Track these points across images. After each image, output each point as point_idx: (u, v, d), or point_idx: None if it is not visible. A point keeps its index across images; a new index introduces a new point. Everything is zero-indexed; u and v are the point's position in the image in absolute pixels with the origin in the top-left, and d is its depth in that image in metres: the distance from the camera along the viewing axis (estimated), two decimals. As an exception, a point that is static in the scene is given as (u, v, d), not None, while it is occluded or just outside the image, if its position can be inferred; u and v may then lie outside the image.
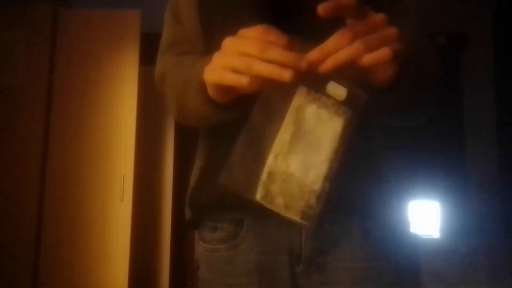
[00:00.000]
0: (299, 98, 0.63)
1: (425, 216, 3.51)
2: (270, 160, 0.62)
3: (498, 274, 2.87)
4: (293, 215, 0.61)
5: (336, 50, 0.60)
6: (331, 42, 0.61)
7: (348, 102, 0.62)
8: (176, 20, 0.92)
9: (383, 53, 0.60)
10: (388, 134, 0.85)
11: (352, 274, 0.77)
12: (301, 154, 0.62)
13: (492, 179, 3.73)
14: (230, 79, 0.62)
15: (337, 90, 0.62)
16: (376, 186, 0.79)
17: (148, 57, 3.18)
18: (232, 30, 0.66)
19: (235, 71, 0.62)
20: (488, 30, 3.88)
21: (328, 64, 0.60)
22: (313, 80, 0.62)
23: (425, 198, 3.54)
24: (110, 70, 3.12)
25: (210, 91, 0.69)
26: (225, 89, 0.67)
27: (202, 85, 0.70)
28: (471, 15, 3.87)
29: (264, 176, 0.61)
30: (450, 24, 3.78)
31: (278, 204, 0.61)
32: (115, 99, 3.09)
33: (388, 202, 0.80)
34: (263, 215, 0.79)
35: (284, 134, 0.62)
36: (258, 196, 0.61)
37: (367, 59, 0.60)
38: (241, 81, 0.61)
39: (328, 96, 0.62)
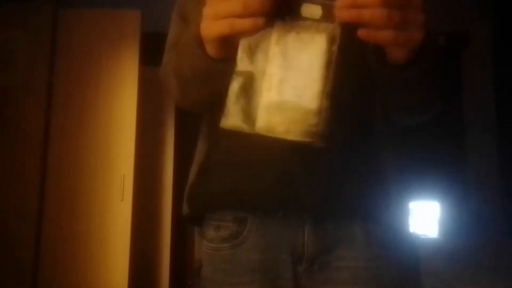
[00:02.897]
0: (277, 31, 0.63)
1: (425, 217, 3.51)
2: (264, 96, 0.63)
3: (498, 274, 2.87)
4: (295, 137, 0.61)
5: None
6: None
7: (326, 17, 0.62)
8: (182, 20, 0.92)
9: (415, 36, 0.62)
10: (390, 137, 0.85)
11: (354, 274, 0.78)
12: (292, 81, 0.62)
13: (492, 179, 3.73)
14: (243, 25, 0.62)
15: (312, 10, 0.62)
16: (378, 187, 0.80)
17: (148, 57, 3.18)
18: None
19: (236, 16, 0.61)
20: (488, 30, 3.88)
21: (363, 33, 0.61)
22: (286, 11, 0.63)
23: (425, 198, 3.54)
24: (110, 70, 3.12)
25: (210, 47, 0.69)
26: (227, 41, 0.66)
27: (199, 42, 0.70)
28: (471, 15, 3.87)
29: (261, 111, 0.62)
30: (450, 24, 3.78)
31: (279, 131, 0.62)
32: (115, 99, 3.09)
33: (390, 203, 0.81)
34: (266, 214, 0.79)
35: (271, 68, 0.63)
36: (258, 128, 0.62)
37: (400, 39, 0.61)
38: (258, 23, 0.61)
39: (305, 19, 0.62)
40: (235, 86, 0.63)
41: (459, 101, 3.95)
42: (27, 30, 3.08)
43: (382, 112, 0.82)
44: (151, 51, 3.11)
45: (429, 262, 2.73)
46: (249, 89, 0.63)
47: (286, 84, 0.62)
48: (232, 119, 0.63)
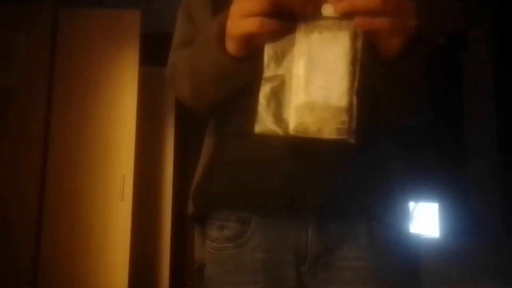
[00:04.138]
0: (300, 32, 0.64)
1: (424, 218, 3.51)
2: (293, 98, 0.63)
3: (498, 274, 2.87)
4: (328, 135, 0.62)
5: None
6: None
7: (347, 15, 0.63)
8: (189, 19, 0.92)
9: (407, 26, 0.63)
10: (393, 139, 0.85)
11: (356, 273, 0.78)
12: (319, 81, 0.63)
13: (492, 179, 3.73)
14: (272, 24, 0.62)
15: (332, 8, 0.63)
16: (381, 188, 0.80)
17: (148, 57, 3.18)
18: None
19: (264, 14, 0.62)
20: (488, 30, 3.88)
21: (359, 22, 0.61)
22: (309, 11, 0.63)
23: (424, 199, 3.54)
24: (110, 70, 3.12)
25: (232, 45, 0.69)
26: (251, 39, 0.66)
27: (219, 40, 0.70)
28: (471, 15, 3.87)
29: (292, 113, 0.63)
30: (450, 24, 3.78)
31: (312, 131, 0.62)
32: (115, 99, 3.09)
33: (393, 204, 0.81)
34: (271, 214, 0.80)
35: (297, 70, 0.64)
36: (291, 130, 0.63)
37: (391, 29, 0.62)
38: (286, 24, 0.62)
39: (326, 18, 0.63)
40: (265, 91, 0.64)
41: (459, 101, 3.94)
42: (27, 30, 3.08)
43: (384, 113, 0.82)
44: (151, 51, 3.12)
45: (429, 262, 2.73)
46: (278, 93, 0.64)
47: (313, 84, 0.63)
48: (265, 123, 0.64)
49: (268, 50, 0.65)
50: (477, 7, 3.86)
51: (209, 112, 0.90)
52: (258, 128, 0.64)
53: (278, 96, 0.64)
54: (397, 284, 0.79)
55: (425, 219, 3.51)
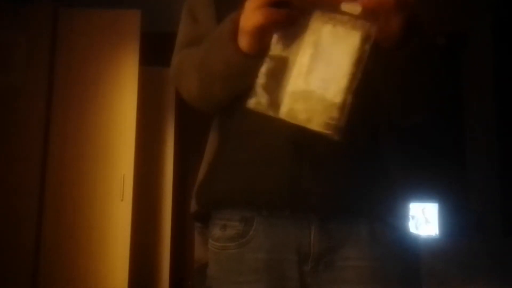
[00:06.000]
0: (315, 21, 0.64)
1: (424, 218, 3.51)
2: (291, 82, 0.64)
3: (498, 274, 2.87)
4: (316, 127, 0.62)
5: None
6: None
7: (365, 15, 0.62)
8: (192, 20, 0.93)
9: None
10: (394, 139, 0.85)
11: (359, 273, 0.78)
12: (321, 72, 0.63)
13: (491, 179, 3.73)
14: (279, 15, 0.64)
15: (352, 6, 0.63)
16: (383, 188, 0.80)
17: (148, 57, 3.18)
18: None
19: (271, 6, 0.64)
20: (488, 30, 3.88)
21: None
22: (326, 2, 0.64)
23: (424, 199, 3.54)
24: (110, 70, 3.12)
25: (245, 40, 0.70)
26: (262, 33, 0.67)
27: (232, 36, 0.72)
28: (471, 15, 3.87)
29: (286, 96, 0.64)
30: (450, 24, 3.77)
31: (301, 119, 0.63)
32: (115, 99, 3.09)
33: (394, 204, 0.82)
34: (273, 214, 0.80)
35: (303, 57, 0.64)
36: (282, 113, 0.63)
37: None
38: (293, 14, 0.63)
39: (343, 13, 0.63)
40: (265, 69, 0.65)
41: (459, 101, 3.94)
42: (27, 30, 3.08)
43: (384, 113, 0.82)
44: (151, 51, 3.13)
45: (429, 262, 2.74)
46: (278, 74, 0.64)
47: (314, 74, 0.63)
48: (258, 100, 0.64)
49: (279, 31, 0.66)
50: (477, 7, 3.85)
51: (214, 112, 0.91)
52: (251, 104, 0.65)
53: (277, 76, 0.64)
54: (398, 283, 0.80)
55: (424, 219, 3.51)
